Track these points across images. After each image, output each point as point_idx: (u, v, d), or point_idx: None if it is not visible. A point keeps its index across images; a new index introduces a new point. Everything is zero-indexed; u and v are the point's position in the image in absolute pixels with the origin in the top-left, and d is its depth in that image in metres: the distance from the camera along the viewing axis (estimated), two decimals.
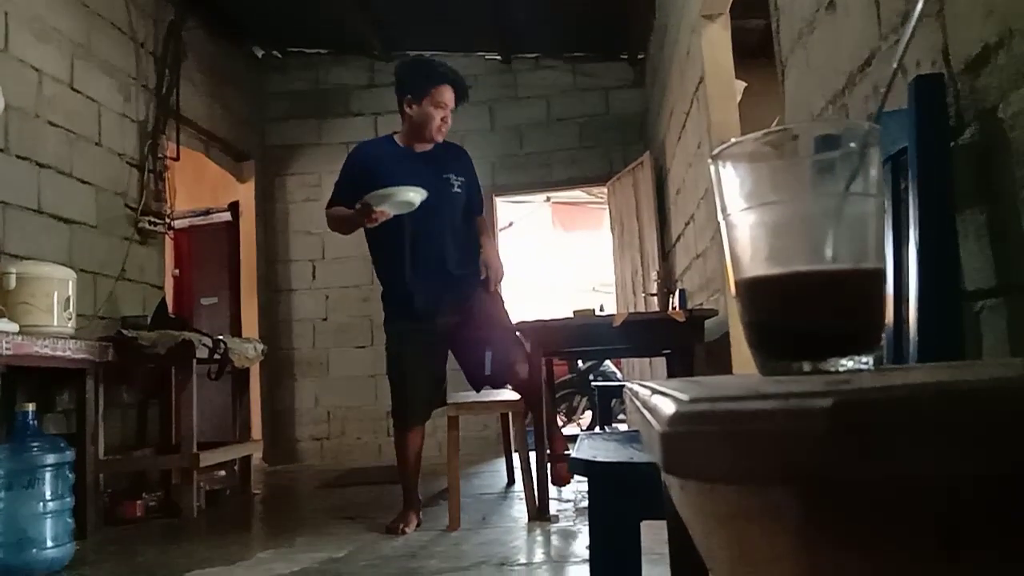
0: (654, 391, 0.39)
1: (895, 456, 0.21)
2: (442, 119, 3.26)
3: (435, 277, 3.22)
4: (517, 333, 3.40)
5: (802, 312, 0.45)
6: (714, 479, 0.27)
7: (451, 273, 3.26)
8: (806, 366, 0.44)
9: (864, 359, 0.44)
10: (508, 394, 3.41)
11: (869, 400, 0.22)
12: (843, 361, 0.44)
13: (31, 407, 2.81)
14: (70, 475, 2.85)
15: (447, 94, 3.26)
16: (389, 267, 3.28)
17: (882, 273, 0.46)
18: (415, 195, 3.01)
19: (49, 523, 2.70)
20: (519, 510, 3.44)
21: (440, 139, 3.31)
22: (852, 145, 0.45)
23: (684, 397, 0.29)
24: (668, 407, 0.29)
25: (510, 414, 3.58)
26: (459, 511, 3.20)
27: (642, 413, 0.41)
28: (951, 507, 0.21)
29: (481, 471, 5.00)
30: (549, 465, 3.37)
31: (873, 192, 0.45)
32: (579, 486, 3.96)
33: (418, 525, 3.17)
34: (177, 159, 4.95)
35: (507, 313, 3.39)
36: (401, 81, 3.35)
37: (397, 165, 3.22)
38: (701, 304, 3.97)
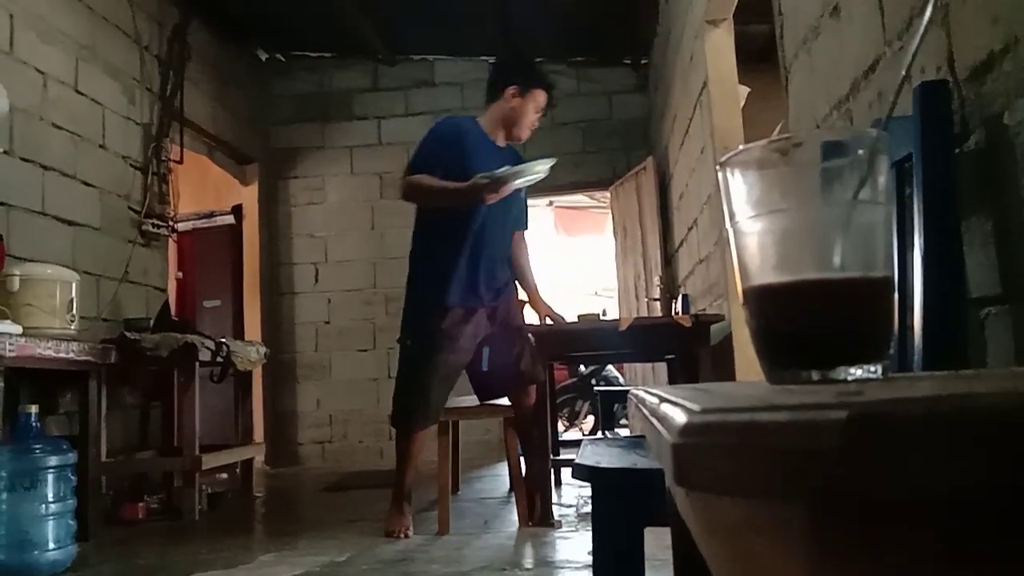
0: (662, 399, 0.38)
1: (909, 471, 0.21)
2: (532, 121, 3.30)
3: (485, 276, 3.19)
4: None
5: (811, 320, 0.44)
6: (725, 492, 0.27)
7: (497, 276, 3.27)
8: (814, 375, 0.44)
9: (872, 368, 0.44)
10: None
11: (883, 413, 0.22)
12: (852, 370, 0.43)
13: (34, 409, 2.80)
14: (72, 477, 2.85)
15: (543, 100, 3.31)
16: (444, 257, 3.15)
17: (891, 281, 0.46)
18: (543, 167, 2.94)
19: (51, 525, 2.70)
20: None
21: (523, 139, 3.35)
22: (860, 152, 0.44)
23: (695, 407, 0.29)
24: (679, 417, 0.29)
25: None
26: (448, 516, 3.19)
27: (650, 422, 0.40)
28: (966, 525, 0.21)
29: (483, 475, 4.99)
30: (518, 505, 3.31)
31: (881, 200, 0.45)
32: (581, 491, 3.95)
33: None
34: (181, 162, 4.96)
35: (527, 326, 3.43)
36: (512, 69, 3.34)
37: (485, 151, 3.19)
38: (704, 309, 3.97)
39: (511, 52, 3.44)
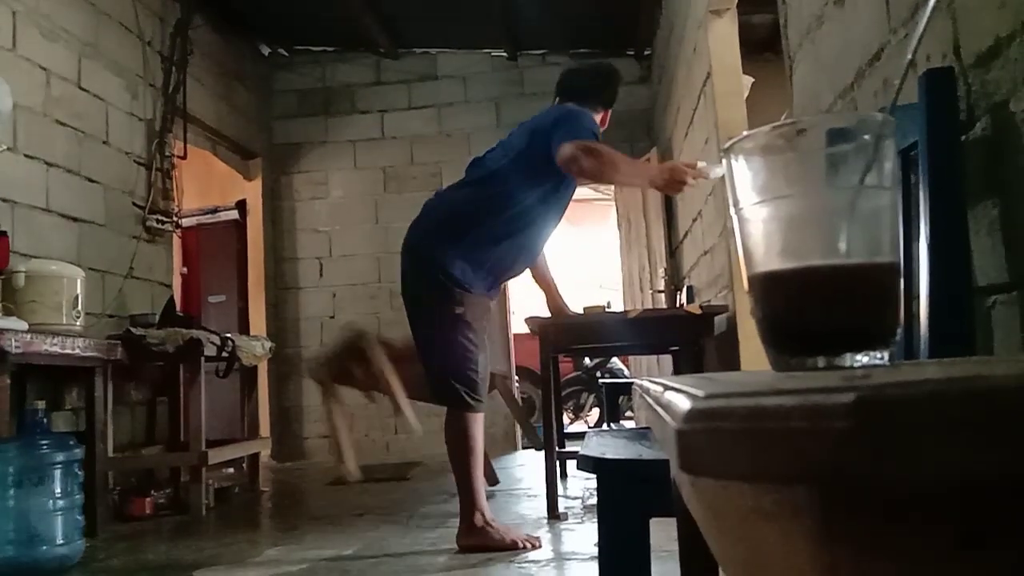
0: (667, 387, 0.38)
1: (916, 454, 0.21)
2: None
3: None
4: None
5: (816, 307, 0.44)
6: (730, 477, 0.27)
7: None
8: (820, 362, 0.43)
9: (879, 354, 0.43)
10: None
11: (890, 397, 0.21)
12: (858, 356, 0.43)
13: (40, 405, 2.81)
14: (79, 473, 2.85)
15: None
16: (520, 242, 2.89)
17: (897, 267, 0.45)
18: (721, 170, 2.81)
19: (59, 520, 2.71)
20: (527, 507, 3.44)
21: None
22: (866, 137, 0.44)
23: (699, 393, 0.28)
24: (683, 403, 0.28)
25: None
26: None
27: (655, 410, 0.40)
28: (974, 507, 0.20)
29: None
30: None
31: (888, 185, 0.44)
32: (587, 483, 3.95)
33: None
34: (184, 157, 4.96)
35: None
36: (613, 90, 3.16)
37: None
38: (709, 301, 3.96)
39: (616, 71, 3.24)
